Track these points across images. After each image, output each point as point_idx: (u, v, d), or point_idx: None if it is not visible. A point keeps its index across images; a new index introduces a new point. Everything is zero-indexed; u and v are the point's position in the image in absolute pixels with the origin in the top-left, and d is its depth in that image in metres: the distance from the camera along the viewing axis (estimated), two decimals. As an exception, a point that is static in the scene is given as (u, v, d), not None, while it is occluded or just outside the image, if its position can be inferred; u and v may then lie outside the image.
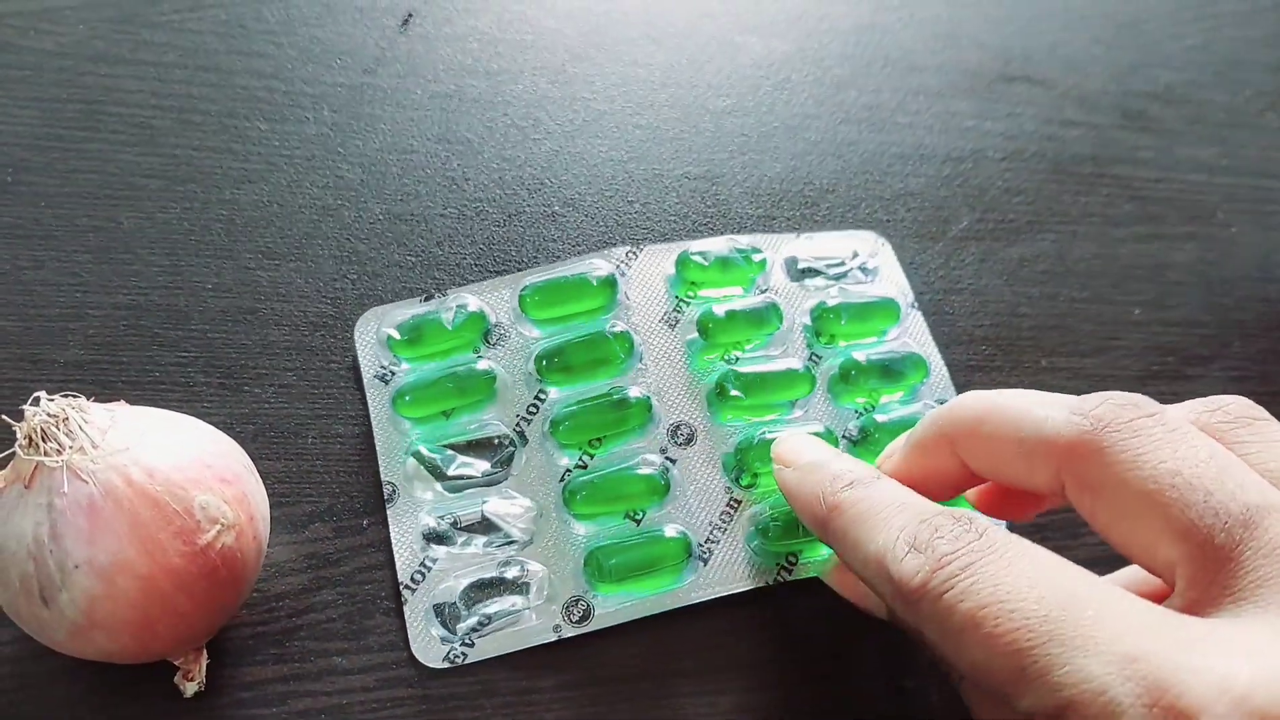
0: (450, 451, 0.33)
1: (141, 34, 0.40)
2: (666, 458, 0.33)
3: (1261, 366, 0.39)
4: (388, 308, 0.35)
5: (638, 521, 0.32)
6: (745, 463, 0.33)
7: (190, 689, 0.29)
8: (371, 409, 0.34)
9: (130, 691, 0.29)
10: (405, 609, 0.31)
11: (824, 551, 0.32)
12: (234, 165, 0.38)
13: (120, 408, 0.28)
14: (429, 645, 0.31)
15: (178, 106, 0.39)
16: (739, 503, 0.33)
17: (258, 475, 0.30)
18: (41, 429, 0.26)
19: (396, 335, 0.34)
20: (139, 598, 0.26)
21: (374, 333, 0.35)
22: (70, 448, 0.26)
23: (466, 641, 0.31)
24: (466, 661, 0.30)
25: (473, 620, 0.31)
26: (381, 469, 0.33)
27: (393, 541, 0.32)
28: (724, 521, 0.33)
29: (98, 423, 0.27)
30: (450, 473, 0.32)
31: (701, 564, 0.32)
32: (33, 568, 0.26)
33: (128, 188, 0.37)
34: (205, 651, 0.29)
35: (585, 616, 0.31)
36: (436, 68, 0.41)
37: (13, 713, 0.29)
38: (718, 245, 0.37)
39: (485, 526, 0.32)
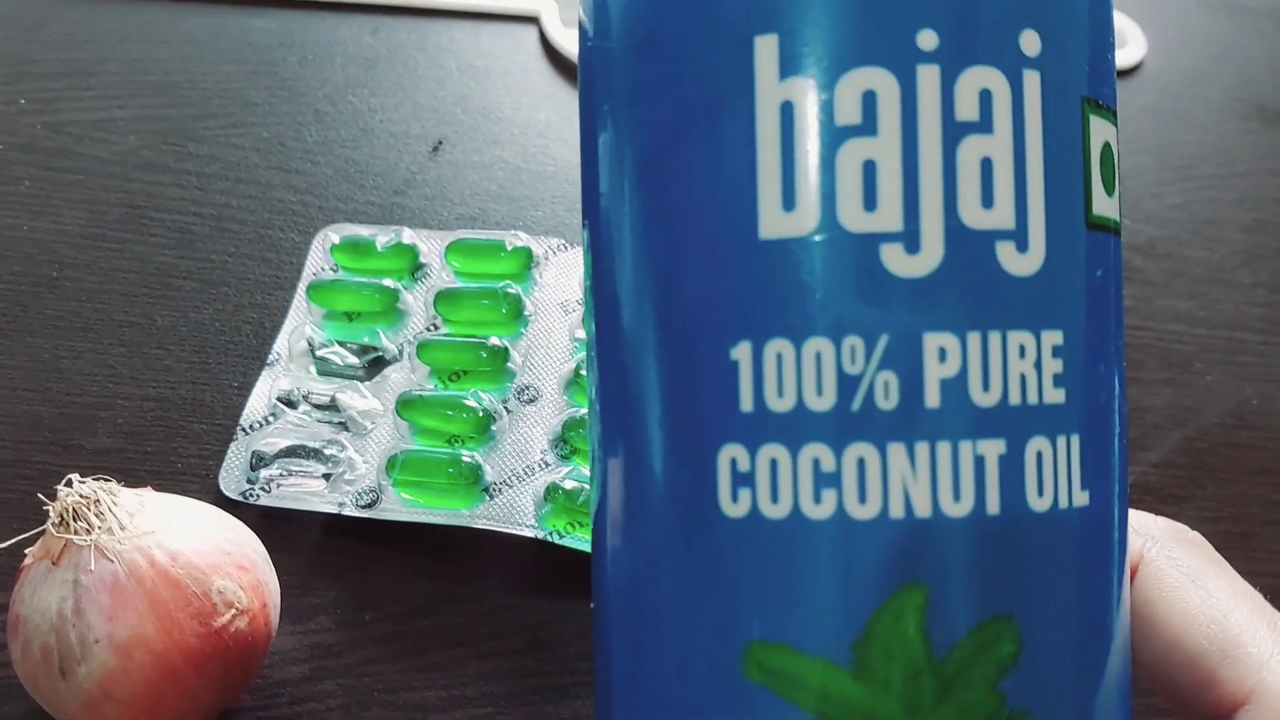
0: (335, 343, 0.37)
1: (187, 146, 0.43)
2: (505, 406, 0.36)
3: (1234, 509, 0.41)
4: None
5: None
6: (568, 435, 0.36)
7: (191, 769, 0.30)
8: (295, 298, 0.39)
9: (132, 770, 0.30)
10: (232, 445, 0.36)
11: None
12: (266, 272, 0.40)
13: (148, 494, 0.29)
14: (233, 479, 0.35)
15: (216, 215, 0.41)
16: (548, 464, 0.35)
17: (272, 566, 0.31)
18: (73, 509, 0.28)
19: (336, 240, 0.40)
20: (153, 673, 0.27)
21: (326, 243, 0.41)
22: (99, 528, 0.28)
23: (264, 488, 0.35)
24: (258, 502, 0.35)
25: (275, 471, 0.35)
26: (277, 340, 0.38)
27: (253, 394, 0.37)
28: (526, 474, 0.35)
29: (126, 506, 0.28)
30: (321, 353, 0.37)
31: (488, 497, 0.34)
32: (54, 640, 0.27)
33: (165, 287, 0.39)
34: (208, 733, 0.30)
35: (371, 505, 0.35)
36: (463, 192, 0.44)
37: (17, 785, 0.30)
38: None
39: (330, 408, 0.36)
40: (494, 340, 0.37)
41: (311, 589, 0.34)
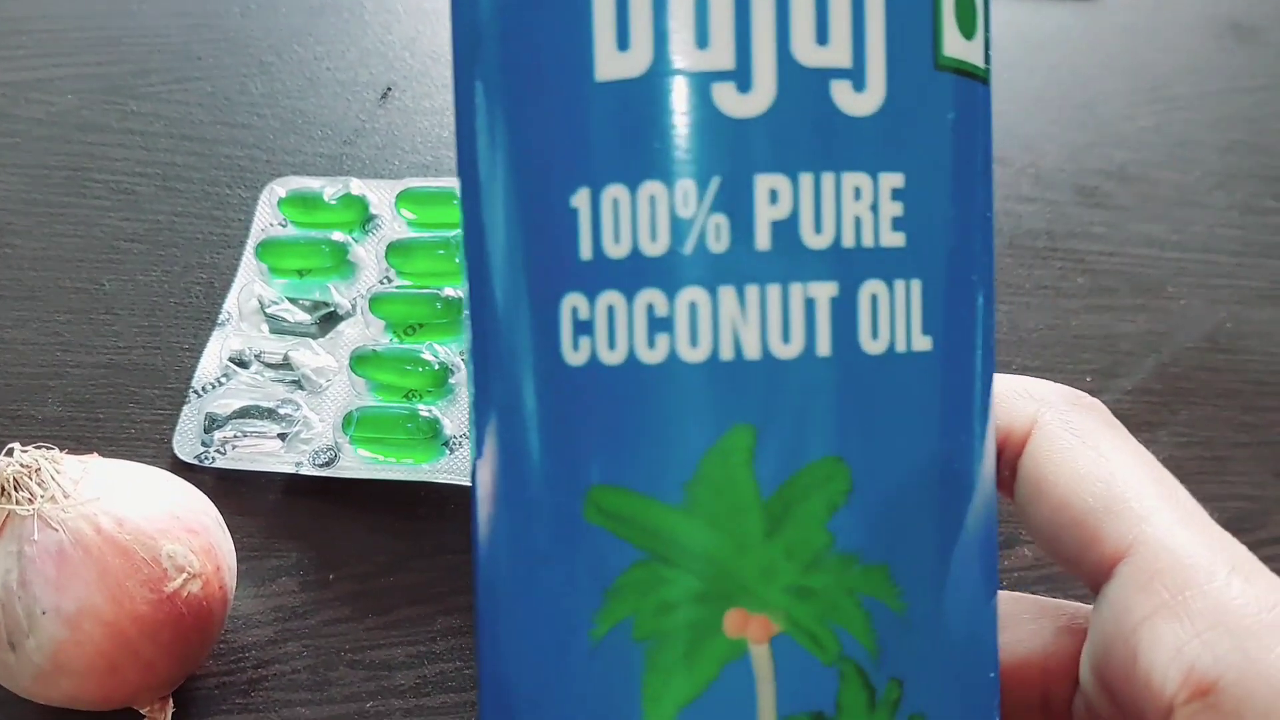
0: (286, 300, 0.37)
1: (129, 105, 0.42)
2: (463, 358, 0.35)
3: (1207, 433, 0.40)
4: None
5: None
6: None
7: (154, 737, 0.29)
8: (244, 256, 0.38)
9: (94, 740, 0.30)
10: (185, 408, 0.35)
11: None
12: (215, 231, 0.39)
13: (93, 460, 0.29)
14: (187, 443, 0.34)
15: (161, 174, 0.40)
16: None
17: (226, 529, 0.30)
18: (14, 479, 0.27)
19: (283, 194, 0.39)
20: (105, 644, 0.26)
21: (273, 197, 0.40)
22: (42, 497, 0.27)
23: (219, 450, 0.34)
24: (213, 465, 0.34)
25: (230, 433, 0.34)
26: (227, 299, 0.37)
27: (204, 355, 0.36)
28: None
29: (69, 473, 0.28)
30: (272, 311, 0.36)
31: (449, 451, 0.34)
32: (0, 613, 0.26)
33: (111, 251, 0.38)
34: (171, 700, 0.29)
35: (329, 463, 0.34)
36: (414, 139, 0.43)
37: (-24, 761, 0.29)
38: None
39: (283, 366, 0.35)
40: (449, 291, 0.36)
41: (273, 550, 0.33)
